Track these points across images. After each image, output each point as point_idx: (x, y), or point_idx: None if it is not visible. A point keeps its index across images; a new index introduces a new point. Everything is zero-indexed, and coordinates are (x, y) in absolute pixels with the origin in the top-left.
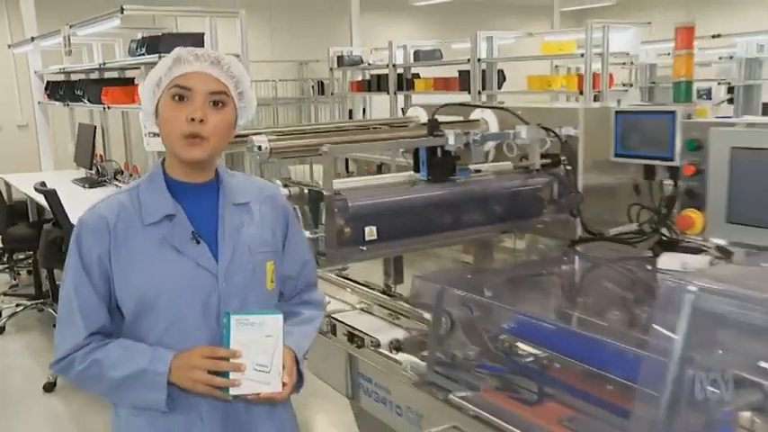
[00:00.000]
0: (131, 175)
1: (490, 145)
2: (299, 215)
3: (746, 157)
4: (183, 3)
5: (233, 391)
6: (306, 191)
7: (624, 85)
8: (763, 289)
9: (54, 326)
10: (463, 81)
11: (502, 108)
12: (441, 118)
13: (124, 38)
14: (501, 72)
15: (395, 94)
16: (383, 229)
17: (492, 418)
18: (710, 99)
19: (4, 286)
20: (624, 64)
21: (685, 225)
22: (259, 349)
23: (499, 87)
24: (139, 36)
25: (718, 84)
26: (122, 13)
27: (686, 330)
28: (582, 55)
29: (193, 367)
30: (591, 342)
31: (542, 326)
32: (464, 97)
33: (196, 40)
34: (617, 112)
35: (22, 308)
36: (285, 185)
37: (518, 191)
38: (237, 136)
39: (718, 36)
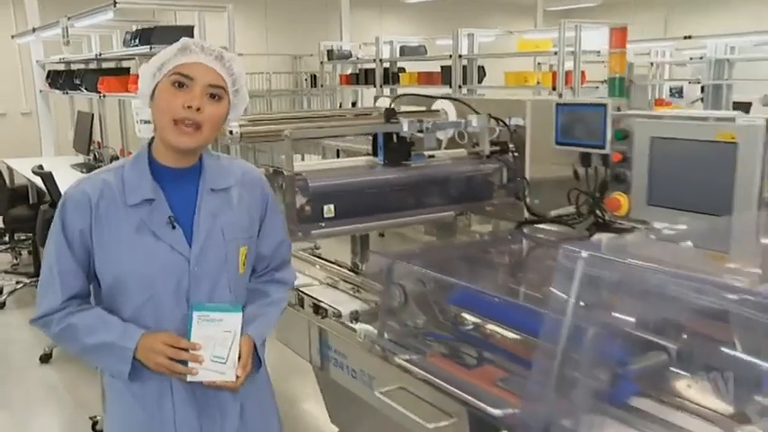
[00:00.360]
0: None
1: (449, 132)
2: None
3: (664, 147)
4: None
5: (190, 378)
6: (271, 171)
7: (603, 82)
8: (655, 259)
9: None
10: (445, 75)
11: (456, 99)
12: (407, 108)
13: (121, 29)
14: (481, 68)
15: (381, 87)
16: (341, 207)
17: (434, 379)
18: (682, 97)
19: (6, 265)
20: (604, 62)
21: (613, 207)
22: (217, 343)
23: (479, 82)
24: (134, 28)
25: (689, 83)
26: (115, 6)
27: (577, 292)
28: (555, 53)
29: (156, 352)
30: (520, 309)
31: (482, 297)
32: (446, 91)
33: (186, 32)
34: (558, 105)
35: (21, 285)
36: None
37: (469, 175)
38: None
39: (690, 37)
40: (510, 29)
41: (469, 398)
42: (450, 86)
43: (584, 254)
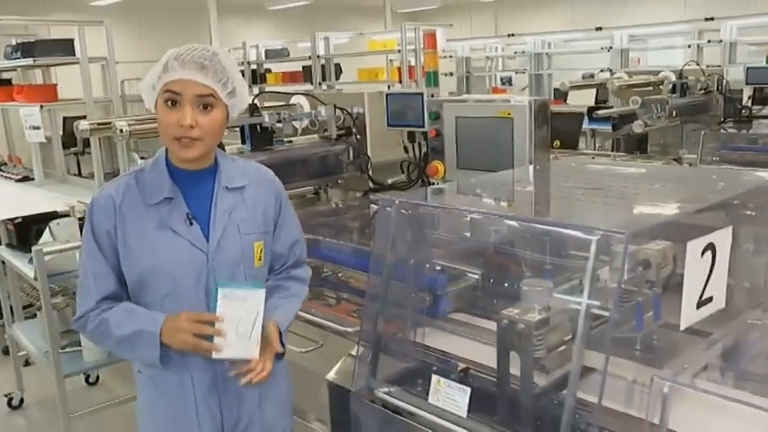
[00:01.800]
0: (15, 165)
1: (303, 122)
2: None
3: (465, 123)
4: (54, 11)
5: (215, 355)
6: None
7: (445, 75)
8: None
9: None
10: (306, 74)
11: (308, 94)
12: (271, 103)
13: None
14: (338, 66)
15: (250, 86)
16: None
17: (307, 315)
18: (512, 85)
19: None
20: (445, 58)
21: (433, 172)
22: (241, 320)
23: (337, 78)
24: (14, 42)
25: (516, 73)
26: None
27: (392, 233)
28: (399, 51)
29: (181, 330)
30: (365, 255)
31: (336, 249)
32: (308, 87)
33: (67, 46)
34: (387, 95)
35: None
36: (142, 158)
37: (322, 155)
38: (102, 123)
39: (512, 35)
40: (364, 30)
41: (329, 324)
42: (312, 83)
43: (396, 202)
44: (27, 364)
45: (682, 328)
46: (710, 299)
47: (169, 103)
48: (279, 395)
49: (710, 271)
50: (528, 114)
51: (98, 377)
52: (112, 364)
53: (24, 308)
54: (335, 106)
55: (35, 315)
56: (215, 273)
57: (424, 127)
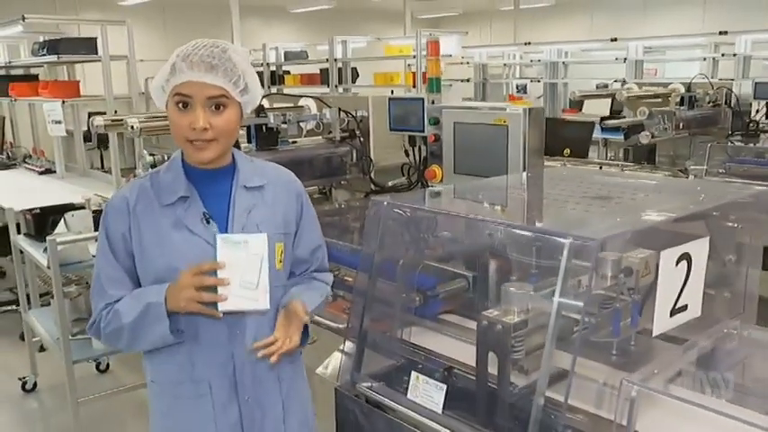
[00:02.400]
0: (38, 158)
1: (309, 123)
2: None
3: (463, 129)
4: (84, 10)
5: (221, 307)
6: (165, 157)
7: (462, 81)
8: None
9: None
10: (324, 77)
11: (315, 97)
12: (279, 104)
13: (29, 40)
14: (354, 69)
15: (269, 87)
16: None
17: None
18: (526, 93)
19: None
20: (462, 64)
21: (431, 176)
22: (246, 267)
23: (353, 82)
24: (41, 39)
25: (531, 81)
26: (24, 20)
27: (382, 233)
28: (414, 56)
29: (182, 287)
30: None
31: (335, 248)
32: (324, 90)
33: (90, 44)
34: (390, 99)
35: None
36: (151, 155)
37: (326, 157)
38: (116, 120)
39: (529, 44)
40: (383, 35)
41: (323, 320)
42: (329, 86)
43: (386, 203)
44: (42, 349)
45: (654, 334)
46: (685, 307)
47: (180, 105)
48: (303, 408)
49: (686, 280)
50: (522, 122)
51: (108, 365)
52: (120, 352)
53: (41, 296)
54: (340, 109)
55: (50, 303)
56: None
57: (423, 132)
